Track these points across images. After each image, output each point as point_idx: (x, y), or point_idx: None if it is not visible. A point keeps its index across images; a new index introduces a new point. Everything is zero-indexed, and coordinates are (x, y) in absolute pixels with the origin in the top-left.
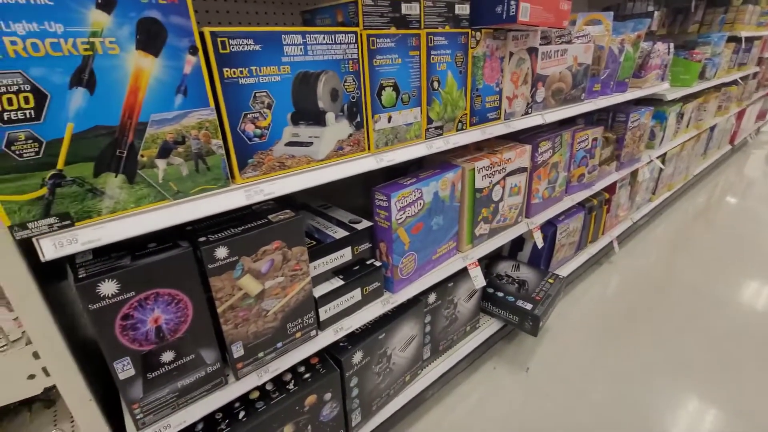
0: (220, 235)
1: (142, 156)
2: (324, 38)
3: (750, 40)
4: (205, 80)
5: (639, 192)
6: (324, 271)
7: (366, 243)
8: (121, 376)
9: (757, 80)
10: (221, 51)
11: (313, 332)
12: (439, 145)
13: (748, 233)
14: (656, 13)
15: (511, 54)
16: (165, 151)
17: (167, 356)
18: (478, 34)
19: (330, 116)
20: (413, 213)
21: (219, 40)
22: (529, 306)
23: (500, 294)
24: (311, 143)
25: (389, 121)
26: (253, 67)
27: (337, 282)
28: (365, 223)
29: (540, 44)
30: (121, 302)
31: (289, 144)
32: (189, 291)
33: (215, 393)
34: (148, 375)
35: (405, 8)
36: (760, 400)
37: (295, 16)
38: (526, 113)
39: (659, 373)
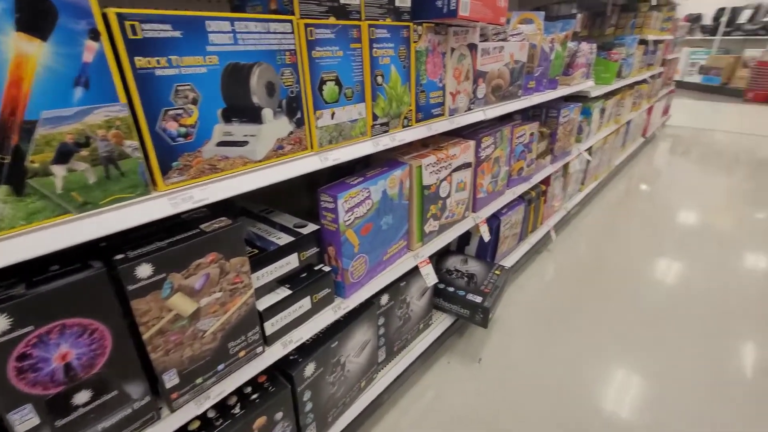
0: (142, 250)
1: (33, 162)
2: (256, 26)
3: (656, 43)
4: (112, 71)
5: (570, 183)
6: (269, 281)
7: (313, 248)
8: (21, 429)
9: (661, 79)
10: (131, 37)
11: (259, 349)
12: (385, 142)
13: (660, 217)
14: (578, 16)
15: (453, 50)
16: (64, 155)
17: (82, 397)
18: (420, 28)
19: (267, 112)
20: (362, 213)
21: (128, 23)
22: (479, 299)
23: (451, 289)
24: (247, 142)
25: (332, 117)
26: (172, 57)
27: (283, 292)
28: (311, 227)
29: (479, 41)
30: (14, 340)
31: (222, 144)
32: (105, 318)
33: (146, 431)
34: (57, 422)
35: None
36: (688, 362)
37: (222, 3)
38: (469, 109)
39: (600, 350)
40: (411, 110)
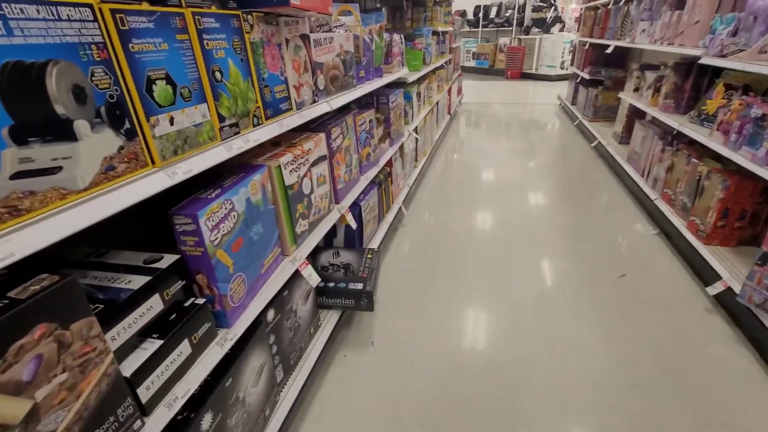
0: None
1: None
2: (39, 11)
3: (443, 34)
4: None
5: (407, 162)
6: (130, 336)
7: (177, 282)
8: None
9: (452, 65)
10: None
11: (137, 423)
12: (239, 145)
13: (471, 177)
14: (384, 9)
15: (287, 41)
16: None
17: None
18: (251, 17)
19: (81, 125)
20: (229, 229)
21: None
22: (360, 286)
23: (332, 284)
24: (60, 168)
25: (172, 123)
26: None
27: (152, 345)
28: (169, 258)
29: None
30: None
31: (20, 175)
32: None
33: None
34: None
35: None
36: (521, 287)
37: None
38: (314, 101)
39: (461, 299)
40: (259, 107)
